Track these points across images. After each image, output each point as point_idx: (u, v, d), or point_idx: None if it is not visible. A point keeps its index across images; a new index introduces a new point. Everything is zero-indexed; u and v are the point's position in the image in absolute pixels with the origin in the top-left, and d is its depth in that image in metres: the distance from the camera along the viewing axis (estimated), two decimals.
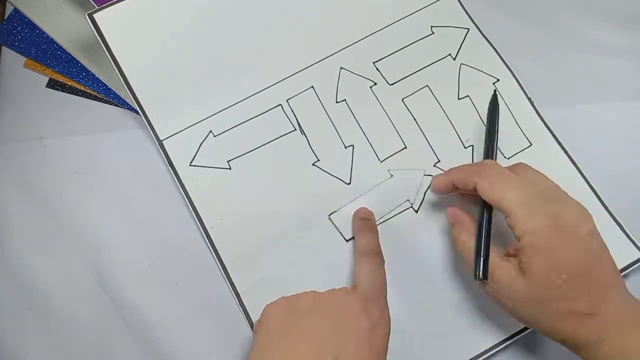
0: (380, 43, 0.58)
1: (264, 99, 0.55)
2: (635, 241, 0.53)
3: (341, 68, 0.57)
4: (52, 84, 0.58)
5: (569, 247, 0.40)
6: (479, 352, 0.50)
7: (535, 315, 0.41)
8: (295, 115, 0.55)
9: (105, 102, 0.58)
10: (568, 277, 0.39)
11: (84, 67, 0.58)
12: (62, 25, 0.59)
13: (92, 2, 0.56)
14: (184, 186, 0.53)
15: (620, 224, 0.53)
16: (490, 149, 0.50)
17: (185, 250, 0.52)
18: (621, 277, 0.43)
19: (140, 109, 0.54)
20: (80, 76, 0.58)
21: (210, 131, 0.54)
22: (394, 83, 0.57)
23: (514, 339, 0.50)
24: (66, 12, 0.59)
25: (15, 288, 0.52)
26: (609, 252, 0.43)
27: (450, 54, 0.58)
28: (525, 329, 0.50)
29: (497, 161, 0.49)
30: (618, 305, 0.40)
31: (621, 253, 0.52)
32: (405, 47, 0.58)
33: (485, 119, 0.55)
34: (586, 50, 0.61)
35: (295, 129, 0.55)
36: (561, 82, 0.59)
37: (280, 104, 0.55)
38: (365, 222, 0.51)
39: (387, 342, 0.43)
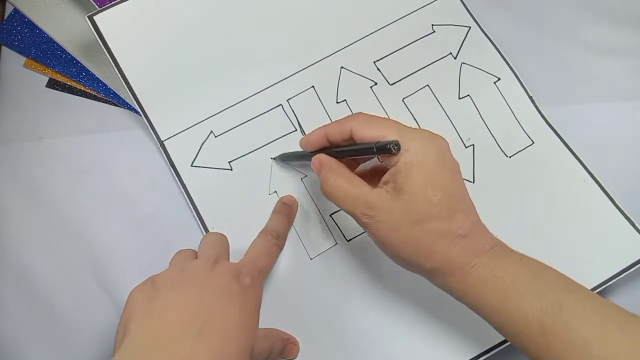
0: (380, 42, 0.58)
1: (264, 99, 0.55)
2: None
3: (342, 68, 0.57)
4: (52, 84, 0.58)
5: (444, 169, 0.40)
6: (478, 353, 0.49)
7: (410, 240, 0.39)
8: (295, 115, 0.55)
9: (105, 102, 0.58)
10: (443, 195, 0.39)
11: (84, 67, 0.58)
12: (62, 25, 0.59)
13: (93, 3, 0.56)
14: (185, 187, 0.53)
15: (630, 218, 0.53)
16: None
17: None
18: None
19: (141, 110, 0.54)
20: (80, 76, 0.58)
21: (211, 131, 0.54)
22: (394, 83, 0.57)
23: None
24: (66, 12, 0.59)
25: (15, 288, 0.52)
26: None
27: (451, 53, 0.58)
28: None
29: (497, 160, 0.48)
30: (487, 235, 0.40)
31: (630, 247, 0.52)
32: (406, 46, 0.58)
33: (485, 118, 0.55)
34: (586, 50, 0.61)
35: (296, 129, 0.55)
36: (561, 81, 0.59)
37: (280, 104, 0.55)
38: (284, 207, 0.52)
39: (258, 311, 0.42)
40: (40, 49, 0.58)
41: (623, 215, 0.53)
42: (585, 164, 0.55)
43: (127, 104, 0.57)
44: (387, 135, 0.41)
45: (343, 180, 0.42)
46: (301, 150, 0.48)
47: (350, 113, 0.54)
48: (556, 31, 0.62)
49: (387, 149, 0.39)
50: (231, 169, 0.53)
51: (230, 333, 0.38)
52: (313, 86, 0.56)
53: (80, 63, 0.58)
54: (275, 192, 0.53)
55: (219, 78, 0.55)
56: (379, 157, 0.41)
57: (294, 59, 0.57)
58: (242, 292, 0.41)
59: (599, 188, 0.54)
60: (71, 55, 0.58)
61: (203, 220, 0.52)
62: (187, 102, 0.55)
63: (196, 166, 0.54)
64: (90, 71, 0.58)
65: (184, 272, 0.42)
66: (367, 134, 0.42)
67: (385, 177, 0.41)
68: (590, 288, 0.50)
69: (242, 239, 0.50)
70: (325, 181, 0.43)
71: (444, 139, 0.42)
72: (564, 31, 0.62)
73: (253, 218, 0.52)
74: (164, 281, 0.41)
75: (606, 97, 0.59)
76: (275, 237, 0.49)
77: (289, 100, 0.55)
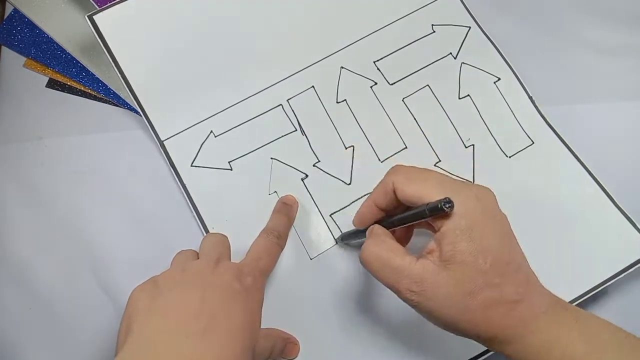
0: (380, 42, 0.58)
1: (264, 99, 0.55)
2: None
3: (342, 68, 0.57)
4: (52, 84, 0.58)
5: (492, 229, 0.37)
6: (479, 352, 0.49)
7: (464, 313, 0.37)
8: (295, 115, 0.55)
9: (105, 102, 0.58)
10: (493, 261, 0.36)
11: (84, 67, 0.58)
12: (62, 25, 0.59)
13: (93, 3, 0.56)
14: (185, 187, 0.53)
15: (630, 218, 0.53)
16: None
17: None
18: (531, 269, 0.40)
19: (141, 110, 0.54)
20: (80, 76, 0.58)
21: (211, 131, 0.54)
22: (394, 83, 0.57)
23: None
24: (66, 12, 0.59)
25: (15, 288, 0.52)
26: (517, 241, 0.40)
27: (451, 53, 0.58)
28: None
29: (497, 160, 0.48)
30: (540, 292, 0.39)
31: (631, 247, 0.52)
32: (406, 46, 0.58)
33: (485, 118, 0.55)
34: (586, 50, 0.61)
35: (296, 130, 0.55)
36: (561, 81, 0.59)
37: (280, 104, 0.55)
38: (284, 207, 0.52)
39: (260, 310, 0.42)
40: (40, 49, 0.58)
41: (623, 214, 0.53)
42: (585, 164, 0.55)
43: (127, 104, 0.57)
44: (431, 192, 0.38)
45: (383, 248, 0.39)
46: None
47: (351, 113, 0.55)
48: (556, 31, 0.62)
49: (440, 209, 0.36)
50: (231, 169, 0.53)
51: (234, 332, 0.38)
52: (313, 86, 0.56)
53: (80, 63, 0.58)
54: (275, 192, 0.53)
55: (219, 78, 0.55)
56: (431, 220, 0.39)
57: (294, 59, 0.57)
58: (245, 291, 0.41)
59: (599, 188, 0.54)
60: (71, 55, 0.58)
61: (203, 220, 0.52)
62: (187, 102, 0.55)
63: (196, 166, 0.53)
64: (90, 71, 0.58)
65: (186, 272, 0.41)
66: (412, 191, 0.40)
67: (430, 245, 0.38)
68: (590, 288, 0.50)
69: (242, 239, 0.50)
70: (364, 249, 0.40)
71: (491, 192, 0.40)
72: (564, 31, 0.62)
73: (253, 218, 0.52)
74: (166, 281, 0.41)
75: (606, 97, 0.59)
76: (276, 236, 0.49)
77: (289, 100, 0.55)
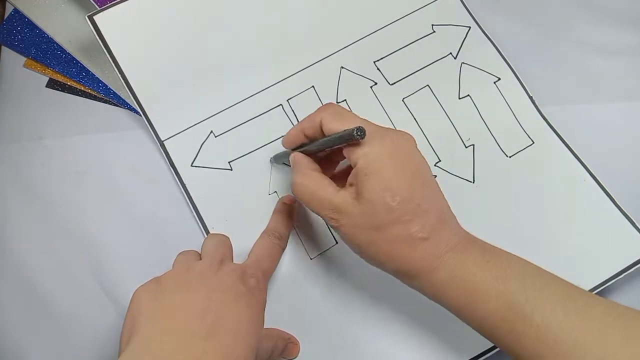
0: (381, 42, 0.58)
1: (264, 98, 0.55)
2: None
3: (342, 68, 0.57)
4: (52, 84, 0.58)
5: (404, 172, 0.39)
6: (481, 352, 0.49)
7: (372, 243, 0.40)
8: (295, 115, 0.55)
9: (105, 102, 0.58)
10: (402, 200, 0.38)
11: (84, 67, 0.58)
12: (62, 25, 0.59)
13: (93, 2, 0.56)
14: (185, 187, 0.53)
15: (630, 218, 0.53)
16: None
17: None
18: (452, 213, 0.42)
19: (141, 110, 0.54)
20: (80, 76, 0.58)
21: (211, 131, 0.54)
22: (394, 83, 0.57)
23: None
24: (66, 12, 0.59)
25: (15, 288, 0.52)
26: (438, 185, 0.42)
27: (451, 53, 0.58)
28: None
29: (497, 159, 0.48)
30: (450, 232, 0.40)
31: (631, 247, 0.52)
32: (406, 46, 0.58)
33: (485, 118, 0.55)
34: (586, 50, 0.61)
35: None
36: (561, 81, 0.59)
37: (281, 104, 0.55)
38: (284, 207, 0.52)
39: (264, 311, 0.42)
40: (40, 49, 0.58)
41: (624, 214, 0.53)
42: (586, 164, 0.55)
43: (127, 104, 0.57)
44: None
45: (310, 181, 0.43)
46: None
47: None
48: (556, 31, 0.62)
49: (352, 136, 0.38)
50: (231, 169, 0.53)
51: (239, 333, 0.38)
52: (313, 86, 0.56)
53: (80, 63, 0.58)
54: (276, 192, 0.53)
55: (219, 78, 0.55)
56: (346, 152, 0.41)
57: (294, 59, 0.56)
58: (248, 292, 0.41)
59: (599, 188, 0.54)
60: (71, 55, 0.58)
61: (203, 220, 0.52)
62: (187, 102, 0.55)
63: (196, 166, 0.53)
64: (90, 71, 0.58)
65: (189, 272, 0.41)
66: (335, 126, 0.42)
67: (350, 178, 0.41)
68: (590, 288, 0.50)
69: (242, 240, 0.50)
70: (294, 183, 0.44)
71: (408, 137, 0.42)
72: (564, 31, 0.62)
73: (253, 218, 0.52)
74: (170, 281, 0.41)
75: (606, 97, 0.59)
76: (277, 237, 0.49)
77: (289, 100, 0.55)
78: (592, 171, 0.54)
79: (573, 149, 0.55)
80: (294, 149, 0.48)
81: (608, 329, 0.35)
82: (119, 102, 0.57)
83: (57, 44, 0.58)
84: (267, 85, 0.56)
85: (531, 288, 0.37)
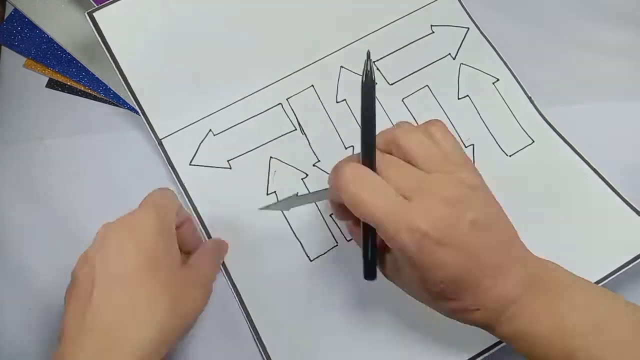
0: (380, 42, 0.58)
1: (264, 97, 0.55)
2: None
3: (341, 67, 0.57)
4: (52, 84, 0.58)
5: (444, 259, 0.36)
6: (482, 349, 0.49)
7: (429, 303, 0.40)
8: (295, 114, 0.55)
9: (105, 102, 0.58)
10: (446, 285, 0.37)
11: (84, 67, 0.58)
12: (62, 25, 0.59)
13: (92, 2, 0.56)
14: (184, 186, 0.53)
15: (635, 208, 0.53)
16: (366, 147, 0.40)
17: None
18: (517, 248, 0.40)
19: (139, 108, 0.54)
20: (80, 76, 0.58)
21: (210, 130, 0.54)
22: (394, 83, 0.57)
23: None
24: (66, 12, 0.59)
25: (15, 288, 0.52)
26: (496, 225, 0.39)
27: (450, 54, 0.58)
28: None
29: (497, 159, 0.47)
30: (508, 288, 0.38)
31: (638, 238, 0.52)
32: (405, 46, 0.58)
33: (484, 118, 0.55)
34: (586, 50, 0.61)
35: (296, 129, 0.55)
36: (561, 82, 0.59)
37: (280, 103, 0.55)
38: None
39: (154, 238, 0.42)
40: (40, 49, 0.58)
41: (629, 205, 0.53)
42: (587, 159, 0.55)
43: (127, 104, 0.57)
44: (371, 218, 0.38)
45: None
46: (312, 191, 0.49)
47: (350, 113, 0.55)
48: (554, 33, 0.62)
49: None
50: (230, 168, 0.53)
51: (131, 278, 0.40)
52: (313, 85, 0.56)
53: (80, 63, 0.58)
54: (275, 192, 0.53)
55: (218, 76, 0.55)
56: None
57: (294, 58, 0.56)
58: (131, 231, 0.42)
59: (602, 182, 0.54)
60: (71, 55, 0.58)
61: (202, 219, 0.52)
62: (186, 100, 0.54)
63: (195, 165, 0.53)
64: (90, 71, 0.58)
65: None
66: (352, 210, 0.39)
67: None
68: (595, 281, 0.50)
69: (240, 238, 0.51)
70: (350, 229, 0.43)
71: (460, 216, 0.38)
72: (563, 31, 0.62)
73: (251, 217, 0.52)
74: None
75: (606, 97, 0.59)
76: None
77: (289, 99, 0.55)
78: (593, 165, 0.54)
79: (573, 145, 0.55)
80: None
81: None
82: (119, 102, 0.57)
83: (57, 44, 0.59)
84: (266, 83, 0.56)
85: (593, 337, 0.37)
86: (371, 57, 0.41)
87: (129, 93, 0.54)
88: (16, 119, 0.57)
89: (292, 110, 0.55)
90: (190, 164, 0.54)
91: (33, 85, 0.58)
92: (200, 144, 0.54)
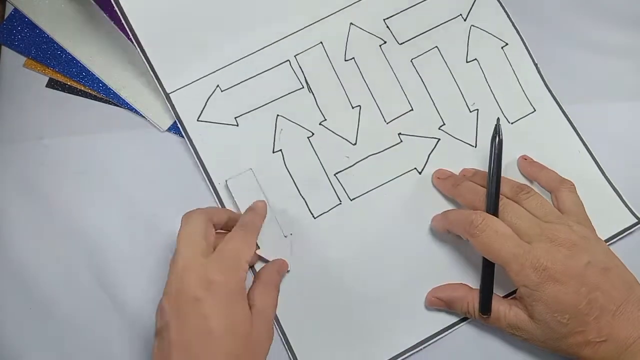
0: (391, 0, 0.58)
1: (271, 53, 0.55)
2: (631, 207, 0.54)
3: (351, 24, 0.57)
4: (52, 84, 0.58)
5: (566, 291, 0.42)
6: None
7: (556, 349, 0.44)
8: (303, 72, 0.55)
9: (105, 102, 0.58)
10: (570, 317, 0.42)
11: (84, 67, 0.58)
12: (62, 25, 0.59)
13: (92, 2, 0.56)
14: (192, 141, 0.53)
15: (617, 190, 0.54)
16: (492, 197, 0.48)
17: None
18: (629, 288, 0.44)
19: (148, 62, 0.54)
20: (80, 76, 0.58)
21: (218, 85, 0.54)
22: (403, 42, 0.57)
23: None
24: (66, 12, 0.59)
25: (15, 288, 0.52)
26: (612, 267, 0.44)
27: (461, 14, 0.58)
28: None
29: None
30: (629, 326, 0.42)
31: (616, 218, 0.53)
32: (417, 4, 0.58)
33: (490, 84, 0.56)
34: (586, 50, 0.61)
35: (303, 87, 0.55)
36: (561, 81, 0.59)
37: (288, 60, 0.55)
38: (250, 208, 0.51)
39: (239, 299, 0.43)
40: (40, 49, 0.58)
41: (612, 187, 0.54)
42: (581, 135, 0.56)
43: (127, 103, 0.57)
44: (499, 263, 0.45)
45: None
46: None
47: (359, 72, 0.55)
48: (554, 32, 0.62)
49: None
50: (237, 125, 0.53)
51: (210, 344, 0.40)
52: (321, 42, 0.56)
53: (80, 63, 0.58)
54: (280, 150, 0.53)
55: (226, 30, 0.55)
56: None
57: (303, 13, 0.56)
58: (210, 295, 0.41)
59: (591, 159, 0.55)
60: (71, 55, 0.58)
61: (209, 175, 0.53)
62: (194, 54, 0.54)
63: (202, 121, 0.54)
64: (90, 71, 0.58)
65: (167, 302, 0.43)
66: (482, 254, 0.47)
67: (517, 294, 0.45)
68: None
69: (246, 198, 0.52)
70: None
71: (576, 254, 0.44)
72: (562, 32, 0.62)
73: (258, 176, 0.52)
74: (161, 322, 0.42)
75: (606, 97, 0.59)
76: (240, 227, 0.48)
77: (297, 56, 0.55)
78: (587, 143, 0.55)
79: (571, 119, 0.56)
80: None
81: None
82: (119, 102, 0.57)
83: (57, 44, 0.59)
84: (274, 40, 0.56)
85: None
86: (499, 127, 0.49)
87: (137, 48, 0.54)
88: (16, 118, 0.57)
89: (300, 67, 0.55)
90: (197, 120, 0.54)
91: (33, 85, 0.58)
92: (208, 99, 0.54)
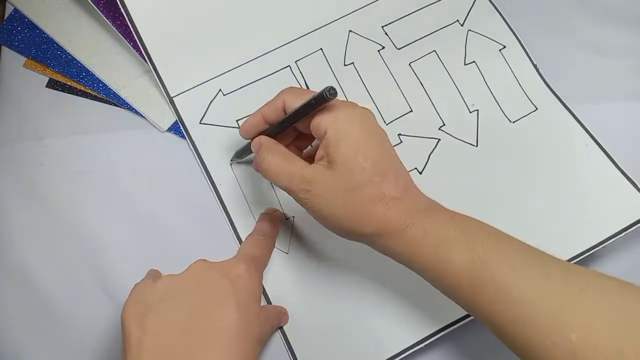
0: (389, 8, 0.59)
1: (273, 59, 0.56)
2: None
3: (350, 31, 0.58)
4: (52, 84, 0.58)
5: (373, 137, 0.41)
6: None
7: (348, 208, 0.40)
8: (303, 76, 0.56)
9: (105, 102, 0.58)
10: (374, 161, 0.40)
11: (84, 67, 0.58)
12: (62, 25, 0.59)
13: (92, 3, 0.56)
14: (194, 144, 0.54)
15: (631, 179, 0.54)
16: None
17: (186, 250, 0.51)
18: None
19: (152, 66, 0.55)
20: (80, 76, 0.58)
21: (220, 90, 0.55)
22: (401, 47, 0.58)
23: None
24: (66, 12, 0.60)
25: (15, 288, 0.52)
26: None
27: (458, 20, 0.59)
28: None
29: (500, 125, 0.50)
30: (419, 195, 0.42)
31: (632, 207, 0.53)
32: (414, 12, 0.59)
33: (490, 85, 0.57)
34: (586, 50, 0.61)
35: None
36: (561, 82, 0.59)
37: (289, 65, 0.56)
38: (268, 214, 0.52)
39: (257, 300, 0.43)
40: (40, 49, 0.59)
41: (625, 176, 0.54)
42: (588, 128, 0.56)
43: (127, 104, 0.57)
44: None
45: (278, 156, 0.43)
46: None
47: (358, 76, 0.56)
48: (554, 32, 0.62)
49: (324, 97, 0.39)
50: (239, 128, 0.53)
51: (229, 336, 0.39)
52: (321, 48, 0.57)
53: (80, 63, 0.58)
54: None
55: (229, 36, 0.56)
56: (314, 124, 0.42)
57: (304, 21, 0.57)
58: (232, 286, 0.41)
59: (600, 150, 0.55)
60: (71, 55, 0.58)
61: (211, 177, 0.53)
62: (197, 59, 0.55)
63: (205, 124, 0.54)
64: (90, 71, 0.58)
65: (176, 280, 0.42)
66: (301, 102, 0.43)
67: (319, 152, 0.42)
68: (590, 246, 0.51)
69: (250, 197, 0.52)
70: (261, 160, 0.44)
71: (368, 109, 0.43)
72: (562, 32, 0.62)
73: (259, 177, 0.53)
74: (156, 294, 0.41)
75: (606, 97, 0.59)
76: (263, 234, 0.50)
77: (297, 62, 0.56)
78: (594, 135, 0.55)
79: (575, 114, 0.56)
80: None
81: (563, 287, 0.36)
82: (119, 102, 0.57)
83: (57, 44, 0.59)
84: (276, 45, 0.57)
85: (493, 249, 0.38)
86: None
87: (143, 51, 0.54)
88: (16, 119, 0.57)
89: (301, 72, 0.56)
90: (200, 123, 0.54)
91: (33, 85, 0.58)
92: (210, 103, 0.55)
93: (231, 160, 0.54)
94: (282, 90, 0.46)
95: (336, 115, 0.41)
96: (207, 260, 0.43)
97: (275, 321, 0.48)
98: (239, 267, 0.43)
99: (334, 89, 0.39)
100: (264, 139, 0.46)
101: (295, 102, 0.43)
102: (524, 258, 0.38)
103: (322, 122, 0.41)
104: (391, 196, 0.40)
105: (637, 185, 0.53)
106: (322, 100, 0.40)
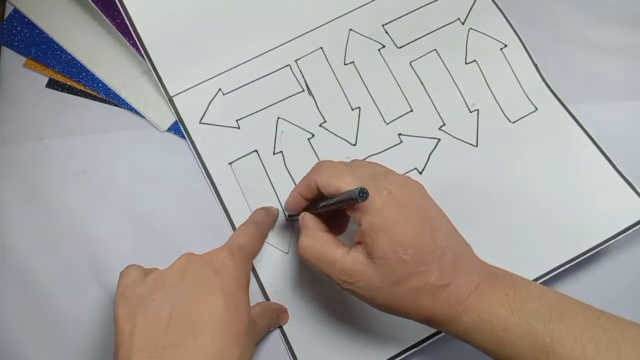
0: (389, 6, 0.58)
1: (273, 58, 0.56)
2: None
3: (350, 30, 0.57)
4: (52, 84, 0.58)
5: (410, 222, 0.39)
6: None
7: (393, 299, 0.40)
8: (303, 76, 0.56)
9: (105, 102, 0.58)
10: (414, 252, 0.38)
11: (84, 67, 0.58)
12: (62, 25, 0.59)
13: (92, 3, 0.56)
14: (194, 143, 0.54)
15: (629, 181, 0.54)
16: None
17: (186, 250, 0.51)
18: (468, 246, 0.42)
19: (151, 65, 0.54)
20: (80, 76, 0.58)
21: (220, 89, 0.55)
22: (402, 46, 0.58)
23: None
24: (66, 12, 0.59)
25: (15, 288, 0.52)
26: (447, 217, 0.42)
27: (459, 19, 0.59)
28: None
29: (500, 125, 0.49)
30: (470, 273, 0.40)
31: (630, 209, 0.53)
32: (415, 10, 0.59)
33: (490, 84, 0.56)
34: (586, 50, 0.61)
35: (304, 90, 0.55)
36: (561, 82, 0.59)
37: (289, 64, 0.56)
38: (264, 208, 0.52)
39: (245, 287, 0.42)
40: (40, 49, 0.58)
41: (623, 178, 0.54)
42: (587, 130, 0.55)
43: (127, 104, 0.57)
44: (350, 185, 0.41)
45: (317, 242, 0.42)
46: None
47: (358, 75, 0.56)
48: (554, 32, 0.62)
49: (354, 199, 0.37)
50: (238, 127, 0.54)
51: (217, 324, 0.38)
52: (321, 47, 0.57)
53: (80, 63, 0.58)
54: (281, 152, 0.53)
55: (228, 36, 0.56)
56: (349, 210, 0.41)
57: (304, 19, 0.57)
58: (217, 274, 0.40)
59: (599, 152, 0.55)
60: (71, 55, 0.58)
61: (211, 177, 0.53)
62: (197, 58, 0.55)
63: (204, 123, 0.54)
64: (90, 71, 0.58)
65: (160, 276, 0.42)
66: (332, 189, 0.42)
67: (357, 237, 0.41)
68: (588, 249, 0.51)
69: (248, 197, 0.52)
70: (299, 245, 0.43)
71: (408, 182, 0.42)
72: (562, 32, 0.62)
73: (259, 176, 0.53)
74: (145, 288, 0.41)
75: (606, 97, 0.59)
76: (254, 222, 0.49)
77: (297, 61, 0.56)
78: (593, 137, 0.55)
79: (575, 115, 0.56)
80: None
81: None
82: (119, 102, 0.57)
83: (57, 43, 0.59)
84: (276, 44, 0.57)
85: (557, 329, 0.37)
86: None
87: (142, 51, 0.54)
88: (16, 119, 0.57)
89: (300, 71, 0.56)
90: (200, 122, 0.54)
91: (33, 85, 0.58)
92: (210, 103, 0.55)
93: (286, 217, 0.53)
94: (314, 168, 0.45)
95: (369, 206, 0.39)
96: (193, 253, 0.43)
97: (273, 315, 0.48)
98: (222, 255, 0.42)
99: (365, 192, 0.37)
100: (306, 217, 0.45)
101: (327, 187, 0.42)
102: (594, 334, 0.36)
103: (354, 214, 0.41)
104: (437, 285, 0.39)
105: (635, 188, 0.53)
106: (352, 202, 0.39)
